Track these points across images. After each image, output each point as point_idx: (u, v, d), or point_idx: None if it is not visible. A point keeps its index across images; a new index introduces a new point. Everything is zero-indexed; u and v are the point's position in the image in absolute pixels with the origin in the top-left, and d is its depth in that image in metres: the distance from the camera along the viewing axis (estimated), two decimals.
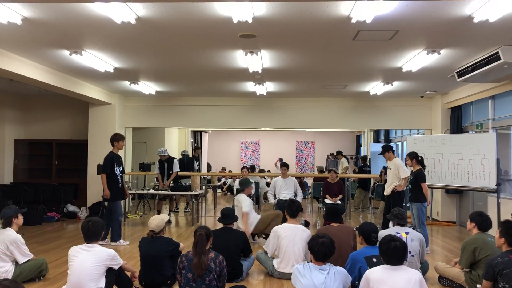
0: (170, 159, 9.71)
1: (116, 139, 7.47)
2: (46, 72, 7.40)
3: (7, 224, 4.76)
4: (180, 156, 11.31)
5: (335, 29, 5.15)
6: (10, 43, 5.92)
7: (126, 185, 7.79)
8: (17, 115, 10.74)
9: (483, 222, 4.54)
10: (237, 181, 9.43)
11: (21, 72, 6.73)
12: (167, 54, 6.46)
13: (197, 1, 4.01)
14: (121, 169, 7.48)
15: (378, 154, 7.72)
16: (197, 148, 12.89)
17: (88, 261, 3.89)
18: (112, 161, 7.27)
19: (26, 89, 9.52)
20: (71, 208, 10.09)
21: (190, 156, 11.64)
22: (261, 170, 16.30)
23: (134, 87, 9.06)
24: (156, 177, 10.28)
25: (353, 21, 4.73)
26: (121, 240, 7.15)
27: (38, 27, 5.19)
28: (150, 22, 4.96)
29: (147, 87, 9.25)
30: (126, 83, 8.80)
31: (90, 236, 4.00)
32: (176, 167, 9.68)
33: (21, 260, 4.68)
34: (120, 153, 10.33)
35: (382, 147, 7.48)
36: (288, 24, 4.98)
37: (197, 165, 11.89)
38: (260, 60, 6.63)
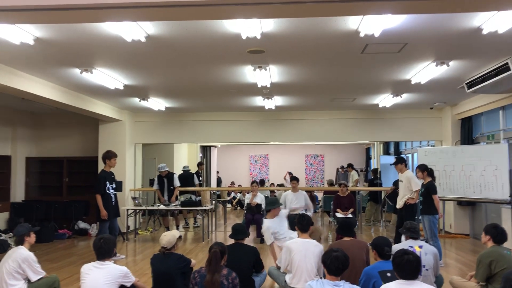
0: (170, 175, 9.71)
1: (108, 156, 7.46)
2: (57, 91, 7.49)
3: (19, 242, 4.76)
4: (182, 171, 11.29)
5: (343, 43, 5.17)
6: (22, 62, 6.01)
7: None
8: (28, 133, 10.86)
9: (498, 235, 4.47)
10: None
11: (33, 91, 6.82)
12: (176, 70, 6.52)
13: (206, 19, 4.06)
14: (114, 186, 7.47)
15: (391, 164, 7.69)
16: (200, 164, 12.85)
17: (101, 278, 3.87)
18: (104, 180, 7.27)
19: (37, 107, 9.65)
20: (82, 225, 10.12)
21: (192, 171, 11.60)
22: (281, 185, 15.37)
23: (143, 103, 9.13)
24: (155, 192, 10.23)
25: (361, 35, 4.75)
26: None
27: (50, 47, 5.27)
28: (160, 40, 5.02)
29: (157, 103, 9.32)
30: (136, 99, 8.87)
31: (103, 253, 4.00)
32: (176, 182, 9.68)
33: (34, 278, 4.67)
34: (129, 168, 10.48)
35: (396, 158, 7.46)
36: (296, 39, 5.01)
37: (200, 180, 11.84)
38: (268, 75, 6.66)
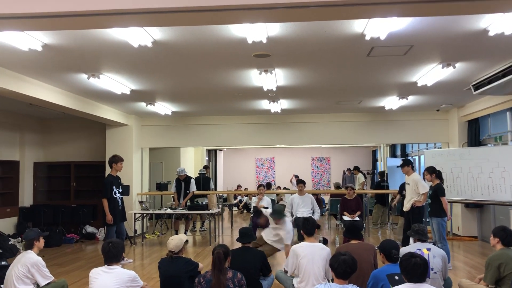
0: (188, 179, 9.78)
1: (115, 161, 7.52)
2: (64, 96, 7.54)
3: (29, 246, 4.80)
4: (197, 175, 11.35)
5: (349, 46, 5.17)
6: (30, 68, 6.07)
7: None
8: (36, 138, 10.94)
9: (507, 237, 4.44)
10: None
11: (40, 97, 6.88)
12: (183, 75, 6.55)
13: (212, 24, 4.08)
14: (120, 190, 7.52)
15: (397, 166, 7.68)
16: (205, 167, 12.81)
17: (109, 283, 3.88)
18: (111, 185, 7.31)
19: (45, 112, 9.72)
20: (89, 229, 10.16)
21: (207, 175, 11.66)
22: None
23: (150, 108, 9.18)
24: (172, 196, 10.32)
25: (367, 37, 4.75)
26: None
27: (58, 53, 5.32)
28: (167, 45, 5.05)
29: (163, 107, 9.36)
30: (143, 104, 8.92)
31: (111, 257, 4.01)
32: (193, 187, 9.75)
33: (42, 282, 4.70)
34: (136, 172, 10.53)
35: (402, 160, 7.45)
36: (302, 42, 5.02)
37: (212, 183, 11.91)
38: (274, 78, 6.67)
